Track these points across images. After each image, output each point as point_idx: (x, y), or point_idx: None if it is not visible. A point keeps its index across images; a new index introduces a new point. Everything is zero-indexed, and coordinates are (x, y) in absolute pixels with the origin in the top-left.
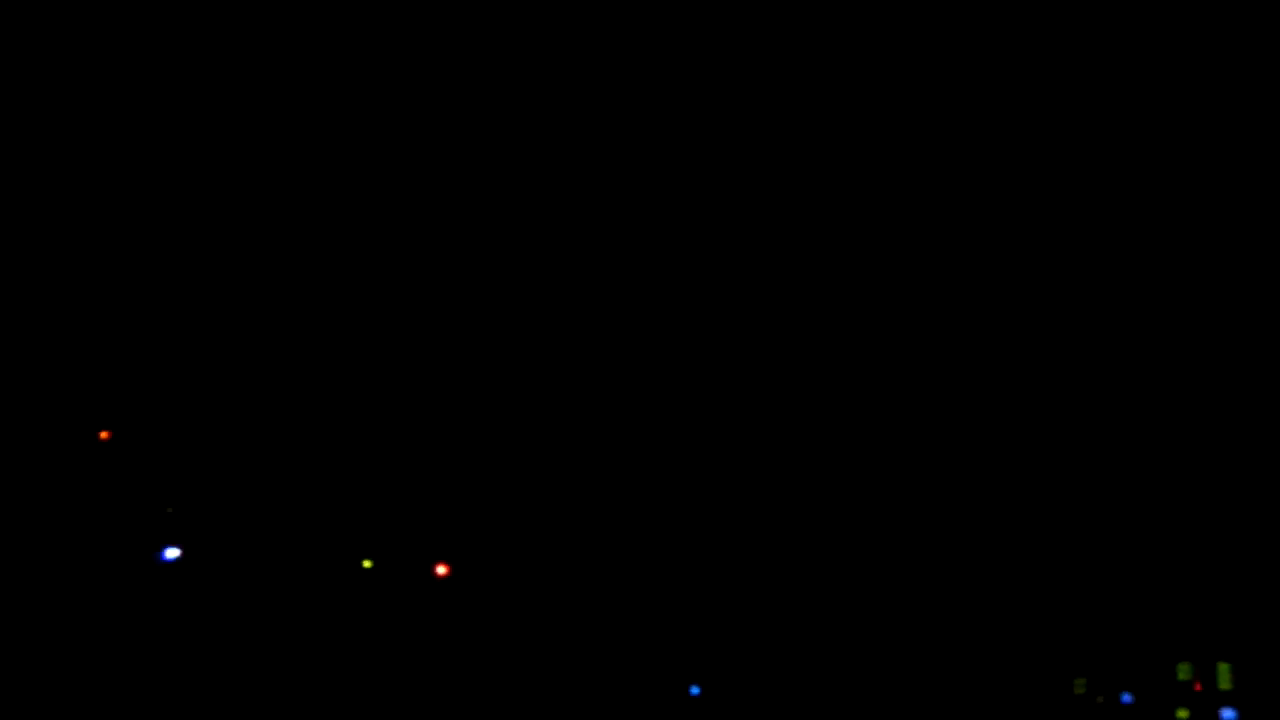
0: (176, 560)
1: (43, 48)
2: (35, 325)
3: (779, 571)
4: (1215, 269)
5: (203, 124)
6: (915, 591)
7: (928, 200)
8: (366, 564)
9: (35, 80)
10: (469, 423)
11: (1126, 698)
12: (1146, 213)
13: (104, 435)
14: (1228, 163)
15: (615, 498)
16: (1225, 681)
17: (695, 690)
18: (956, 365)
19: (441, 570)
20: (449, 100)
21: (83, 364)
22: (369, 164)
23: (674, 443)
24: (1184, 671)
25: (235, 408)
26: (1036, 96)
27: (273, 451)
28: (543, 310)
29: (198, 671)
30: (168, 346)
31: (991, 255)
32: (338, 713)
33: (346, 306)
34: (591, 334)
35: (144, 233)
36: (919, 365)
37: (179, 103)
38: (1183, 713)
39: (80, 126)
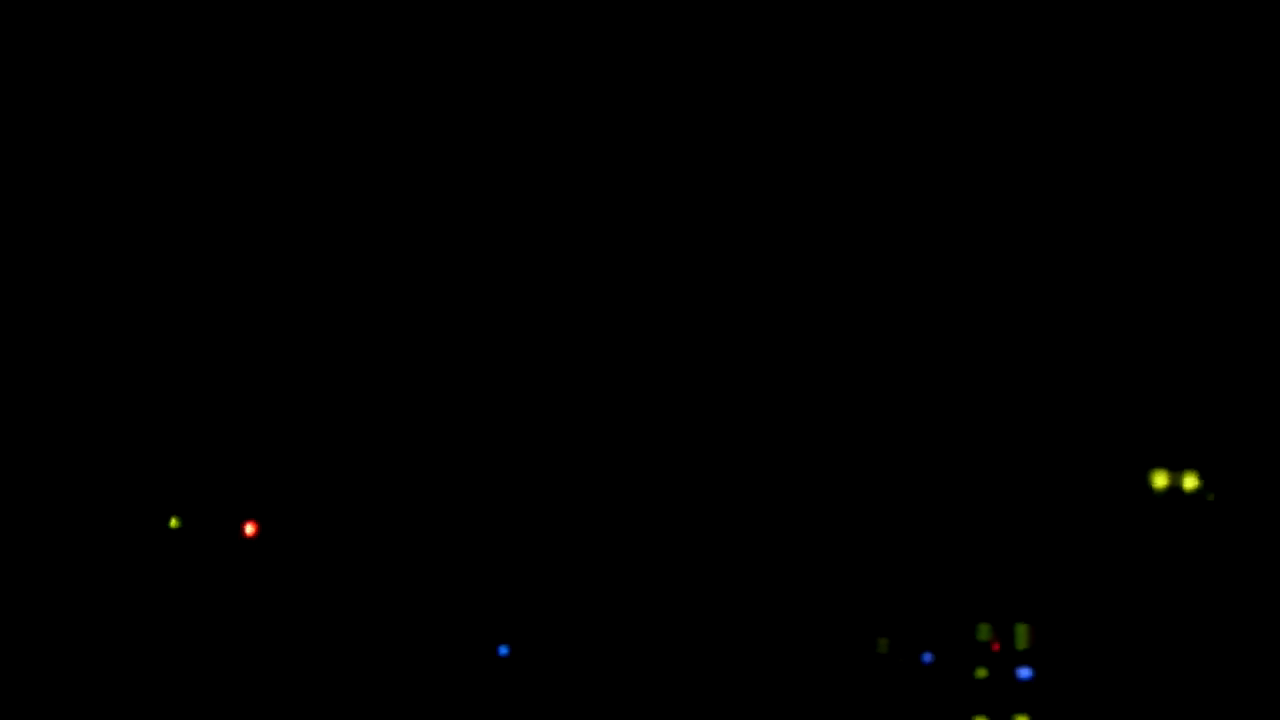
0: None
1: (43, 48)
2: (37, 325)
3: (778, 570)
4: (1215, 269)
5: (203, 124)
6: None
7: (928, 200)
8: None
9: (35, 80)
10: (471, 421)
11: (927, 657)
12: (1147, 213)
13: (251, 530)
14: (1228, 163)
15: (615, 497)
16: (1023, 642)
17: (504, 650)
18: (957, 364)
19: (250, 530)
20: (449, 100)
21: (87, 364)
22: (369, 164)
23: (674, 442)
24: (983, 632)
25: (242, 407)
26: (1037, 97)
27: (277, 452)
28: (544, 310)
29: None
30: (170, 346)
31: (993, 255)
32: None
33: (349, 305)
34: (593, 334)
35: (145, 232)
36: (920, 365)
37: (179, 102)
38: (981, 671)
39: (80, 126)
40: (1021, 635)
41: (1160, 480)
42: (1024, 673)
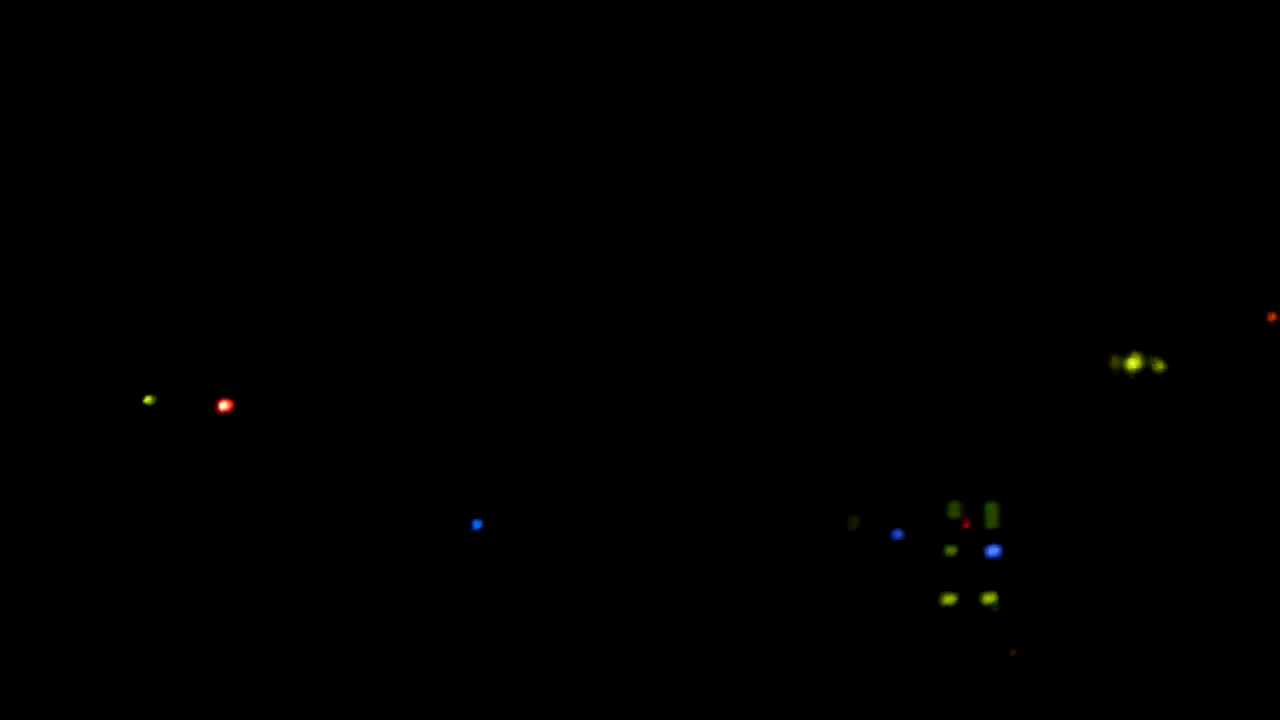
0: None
1: (43, 48)
2: (42, 324)
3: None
4: (1216, 270)
5: (203, 124)
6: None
7: (928, 200)
8: (147, 400)
9: (35, 80)
10: (471, 422)
11: (898, 534)
12: (1148, 214)
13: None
14: (1228, 163)
15: (614, 498)
16: (993, 521)
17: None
18: (957, 365)
19: (224, 405)
20: (449, 100)
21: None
22: (370, 164)
23: (674, 443)
24: (953, 510)
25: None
26: (1037, 97)
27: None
28: (544, 310)
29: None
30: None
31: (993, 255)
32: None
33: (351, 306)
34: (593, 334)
35: (147, 233)
36: (920, 365)
37: (179, 102)
38: (951, 549)
39: (80, 127)
40: (991, 514)
41: (1133, 363)
42: (993, 550)
